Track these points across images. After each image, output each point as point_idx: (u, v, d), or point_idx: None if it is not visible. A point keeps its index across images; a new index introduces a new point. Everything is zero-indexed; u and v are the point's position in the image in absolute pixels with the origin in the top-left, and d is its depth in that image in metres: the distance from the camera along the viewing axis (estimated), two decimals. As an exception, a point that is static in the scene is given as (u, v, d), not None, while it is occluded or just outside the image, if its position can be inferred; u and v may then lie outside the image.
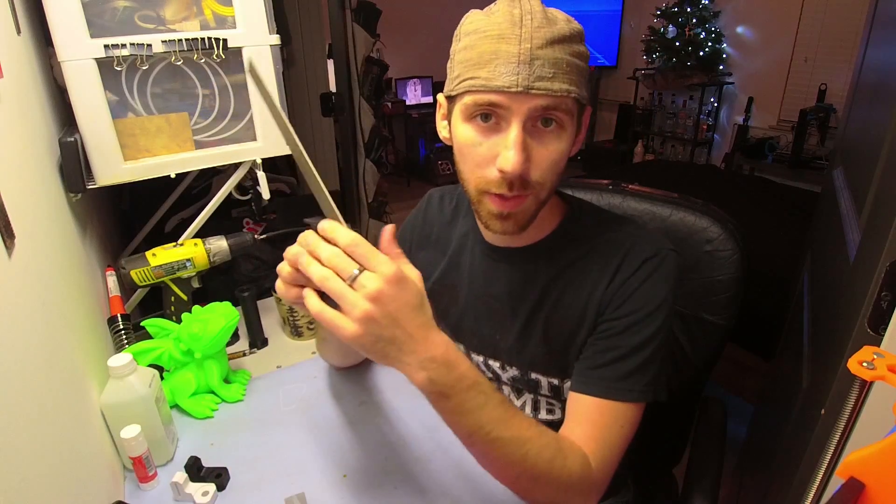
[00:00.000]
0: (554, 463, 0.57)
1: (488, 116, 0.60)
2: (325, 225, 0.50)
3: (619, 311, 0.67)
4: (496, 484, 0.58)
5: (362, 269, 0.48)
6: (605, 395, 0.65)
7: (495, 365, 0.81)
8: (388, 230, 0.54)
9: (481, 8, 0.63)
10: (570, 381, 0.74)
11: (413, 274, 0.52)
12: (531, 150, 0.59)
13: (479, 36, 0.58)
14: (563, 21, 0.59)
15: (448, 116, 0.67)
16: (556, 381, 0.75)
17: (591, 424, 0.65)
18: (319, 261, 0.49)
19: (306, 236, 0.51)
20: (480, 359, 0.82)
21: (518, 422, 0.56)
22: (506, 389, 0.82)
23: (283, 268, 0.53)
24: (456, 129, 0.64)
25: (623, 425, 0.65)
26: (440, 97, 0.68)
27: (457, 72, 0.61)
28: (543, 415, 0.80)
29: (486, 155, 0.60)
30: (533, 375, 0.77)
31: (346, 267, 0.48)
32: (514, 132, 0.58)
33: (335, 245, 0.49)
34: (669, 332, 0.68)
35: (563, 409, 0.77)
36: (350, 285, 0.48)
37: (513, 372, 0.79)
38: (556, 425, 0.81)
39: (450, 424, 0.55)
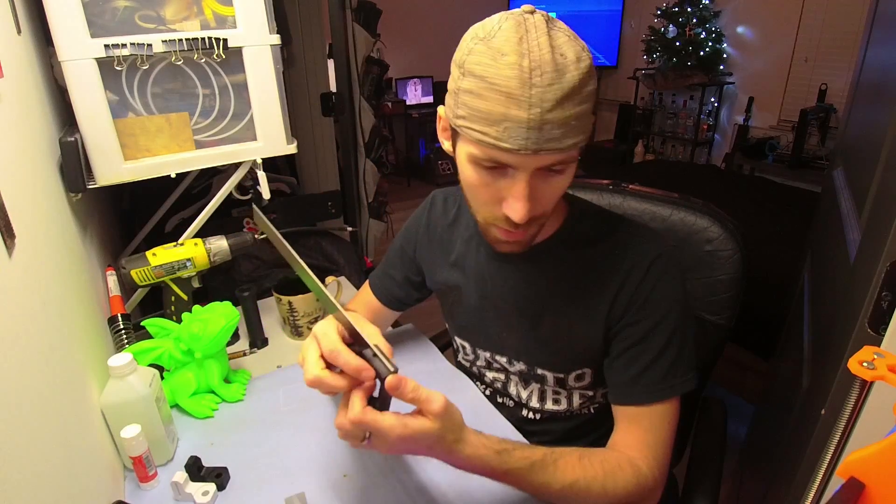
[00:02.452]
0: (605, 488, 0.61)
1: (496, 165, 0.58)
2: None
3: (636, 316, 0.68)
4: (494, 484, 0.58)
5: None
6: (650, 400, 0.68)
7: (502, 360, 0.82)
8: (393, 381, 0.51)
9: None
10: (574, 373, 0.76)
11: (418, 424, 0.52)
12: (536, 191, 0.58)
13: (487, 86, 0.53)
14: (572, 65, 0.53)
15: (452, 137, 0.64)
16: (561, 376, 0.77)
17: (643, 430, 0.68)
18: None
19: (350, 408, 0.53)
20: (487, 354, 0.84)
21: (562, 473, 0.60)
22: (513, 380, 0.84)
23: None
24: (462, 164, 0.62)
25: (671, 420, 0.69)
26: (441, 110, 0.65)
27: (462, 111, 0.57)
28: (550, 405, 0.82)
29: (495, 196, 0.61)
30: (539, 371, 0.78)
31: (356, 436, 0.54)
32: (521, 184, 0.57)
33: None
34: (691, 320, 0.70)
35: (568, 399, 0.81)
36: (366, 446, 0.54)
37: (520, 366, 0.80)
38: (562, 415, 0.83)
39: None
